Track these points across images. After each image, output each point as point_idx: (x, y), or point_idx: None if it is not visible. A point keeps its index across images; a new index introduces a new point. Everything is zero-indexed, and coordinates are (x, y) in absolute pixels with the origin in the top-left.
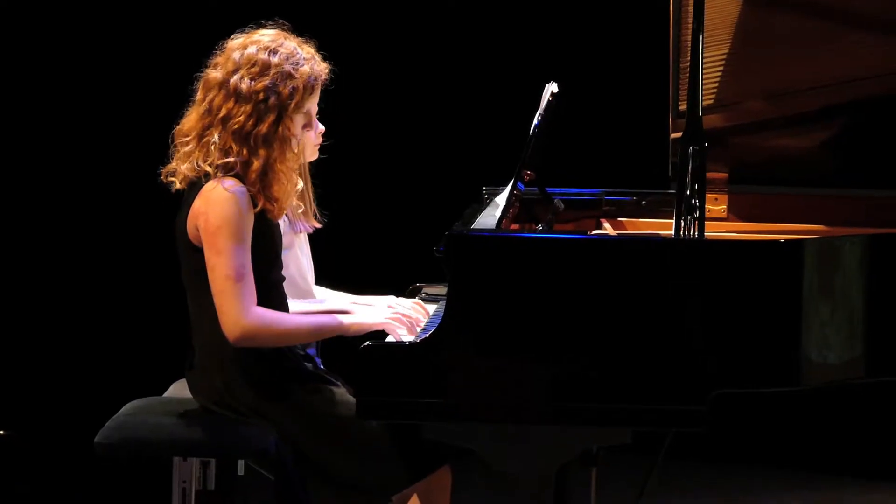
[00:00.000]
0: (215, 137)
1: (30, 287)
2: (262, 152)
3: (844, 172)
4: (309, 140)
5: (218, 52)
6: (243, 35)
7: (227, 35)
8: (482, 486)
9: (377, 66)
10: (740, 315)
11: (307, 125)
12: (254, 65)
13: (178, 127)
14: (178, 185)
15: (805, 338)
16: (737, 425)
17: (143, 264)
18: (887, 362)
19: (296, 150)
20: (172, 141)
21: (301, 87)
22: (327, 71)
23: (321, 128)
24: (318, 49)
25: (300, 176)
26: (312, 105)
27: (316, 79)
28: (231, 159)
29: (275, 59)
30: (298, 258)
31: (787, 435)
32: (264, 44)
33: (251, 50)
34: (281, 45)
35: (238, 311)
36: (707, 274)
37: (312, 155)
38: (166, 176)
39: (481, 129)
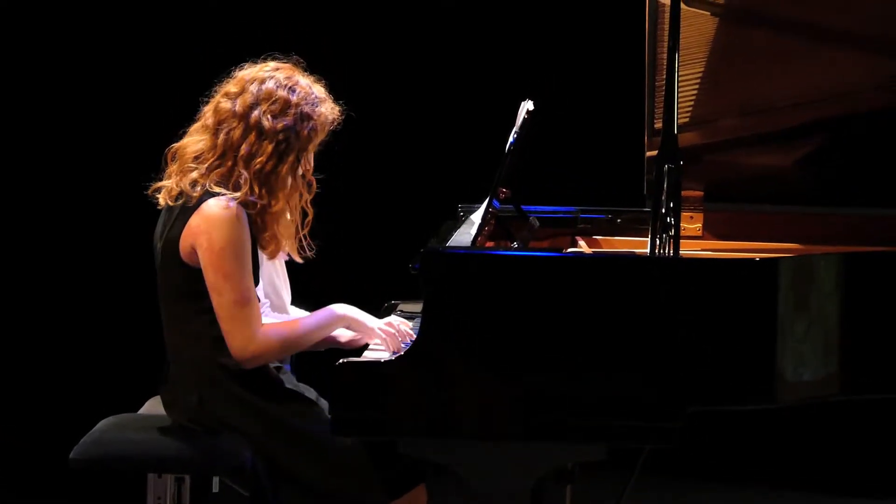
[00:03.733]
0: (244, 175)
1: (2, 303)
2: (280, 195)
3: (820, 190)
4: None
5: (228, 79)
6: (256, 66)
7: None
8: (458, 503)
9: (352, 84)
10: (715, 333)
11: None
12: (274, 101)
13: (179, 145)
14: (162, 202)
15: (780, 356)
16: (712, 442)
17: (118, 281)
18: (862, 380)
19: (303, 189)
20: (174, 159)
21: (318, 128)
22: (339, 112)
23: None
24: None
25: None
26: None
27: (329, 120)
28: (253, 199)
29: (294, 98)
30: (271, 273)
31: (763, 451)
32: (281, 80)
33: (270, 85)
34: (297, 84)
35: (248, 336)
36: (682, 292)
37: None
38: (154, 193)
39: (457, 147)
